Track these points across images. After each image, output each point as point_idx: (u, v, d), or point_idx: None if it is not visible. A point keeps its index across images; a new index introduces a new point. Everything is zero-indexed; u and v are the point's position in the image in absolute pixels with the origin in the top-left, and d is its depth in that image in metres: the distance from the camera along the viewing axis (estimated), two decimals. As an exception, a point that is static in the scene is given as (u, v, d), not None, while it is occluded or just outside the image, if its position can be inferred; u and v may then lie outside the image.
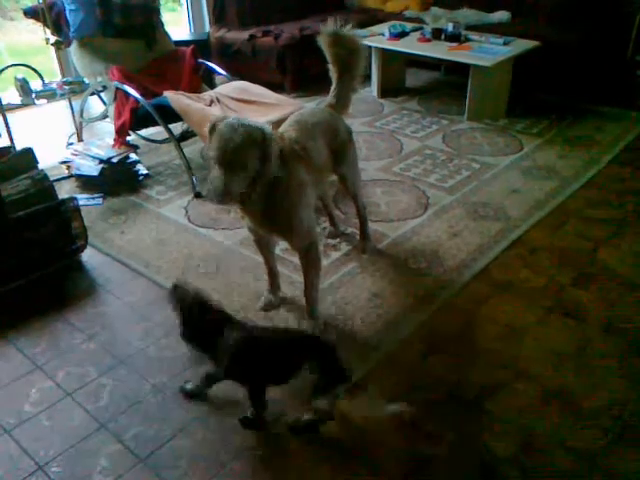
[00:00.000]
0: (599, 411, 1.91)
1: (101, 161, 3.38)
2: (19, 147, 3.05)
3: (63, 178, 3.53)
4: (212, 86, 4.00)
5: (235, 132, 1.87)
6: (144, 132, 3.87)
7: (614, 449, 1.78)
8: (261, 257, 2.43)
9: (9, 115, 3.50)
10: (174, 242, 2.91)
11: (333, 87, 2.61)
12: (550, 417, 1.90)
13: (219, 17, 5.42)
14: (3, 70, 3.46)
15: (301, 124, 2.29)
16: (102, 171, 3.36)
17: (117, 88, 3.48)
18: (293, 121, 2.33)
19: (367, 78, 4.81)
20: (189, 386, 2.01)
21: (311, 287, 2.30)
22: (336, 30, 2.51)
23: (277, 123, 2.44)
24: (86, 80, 3.79)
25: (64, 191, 3.36)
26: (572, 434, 1.83)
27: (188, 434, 1.88)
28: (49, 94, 3.69)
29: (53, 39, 3.81)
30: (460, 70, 4.39)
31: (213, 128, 1.93)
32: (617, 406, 1.93)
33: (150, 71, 3.85)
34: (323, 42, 2.55)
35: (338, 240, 2.89)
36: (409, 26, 4.84)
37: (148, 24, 3.96)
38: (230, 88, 3.60)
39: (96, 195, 3.36)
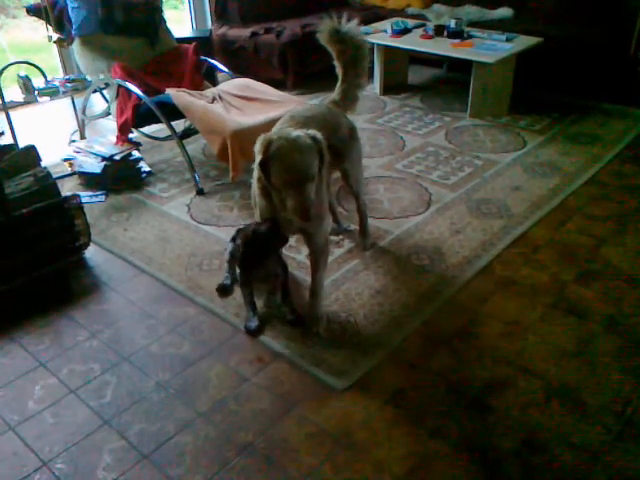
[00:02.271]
0: (602, 408, 1.91)
1: (104, 158, 3.38)
2: (22, 145, 3.05)
3: (66, 175, 3.53)
4: (214, 83, 4.01)
5: (299, 149, 1.92)
6: (146, 129, 3.87)
7: (617, 446, 1.79)
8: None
9: (12, 113, 3.50)
10: (177, 239, 2.91)
11: (338, 84, 2.60)
12: (553, 414, 1.90)
13: (221, 14, 5.41)
14: (6, 68, 3.45)
15: (295, 119, 2.28)
16: (105, 168, 3.36)
17: (119, 85, 3.48)
18: (288, 117, 2.33)
19: (369, 75, 4.80)
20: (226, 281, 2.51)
21: (320, 285, 2.32)
22: (336, 27, 2.51)
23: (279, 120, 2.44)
24: (88, 77, 3.79)
25: (67, 188, 3.36)
26: (575, 431, 1.84)
27: (192, 430, 1.89)
28: (52, 91, 3.68)
29: (55, 37, 3.82)
30: (462, 67, 4.37)
31: (267, 147, 1.94)
32: (620, 403, 1.93)
33: (152, 68, 3.84)
34: (323, 39, 2.54)
35: (341, 237, 2.89)
36: (411, 23, 4.84)
37: (150, 22, 3.96)
38: (232, 85, 3.60)
39: (99, 192, 3.36)
